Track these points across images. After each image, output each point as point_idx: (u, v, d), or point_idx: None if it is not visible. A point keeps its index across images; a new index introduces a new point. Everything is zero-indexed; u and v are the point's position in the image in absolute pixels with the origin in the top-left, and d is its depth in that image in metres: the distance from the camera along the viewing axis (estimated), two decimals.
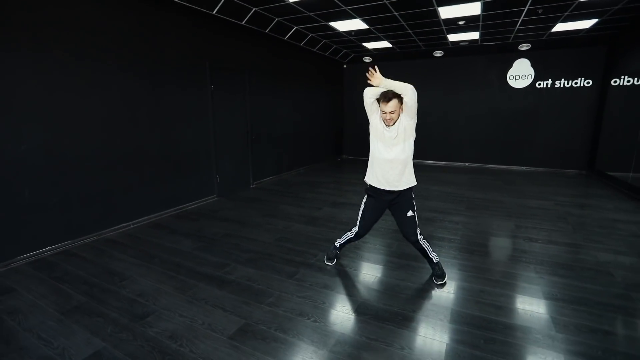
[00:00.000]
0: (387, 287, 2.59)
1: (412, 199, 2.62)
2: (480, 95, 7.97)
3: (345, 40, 6.98)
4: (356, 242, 3.00)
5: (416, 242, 2.61)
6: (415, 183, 2.56)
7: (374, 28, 5.98)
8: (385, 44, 7.33)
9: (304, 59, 7.26)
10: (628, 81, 6.44)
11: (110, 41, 3.57)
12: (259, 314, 2.24)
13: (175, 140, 4.45)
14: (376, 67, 2.52)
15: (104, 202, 3.65)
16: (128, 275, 2.77)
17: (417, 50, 8.03)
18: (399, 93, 2.36)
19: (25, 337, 2.00)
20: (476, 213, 4.47)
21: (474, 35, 6.53)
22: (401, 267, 2.92)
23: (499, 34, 6.53)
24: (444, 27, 5.95)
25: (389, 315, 2.22)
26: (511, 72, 7.58)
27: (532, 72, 7.40)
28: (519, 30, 6.23)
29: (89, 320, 2.16)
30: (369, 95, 2.49)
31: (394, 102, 2.39)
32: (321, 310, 2.29)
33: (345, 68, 9.34)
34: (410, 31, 6.20)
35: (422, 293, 2.51)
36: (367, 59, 8.82)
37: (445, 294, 2.49)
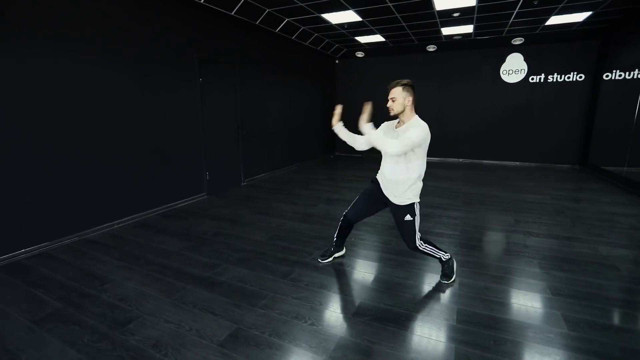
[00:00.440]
0: (387, 286, 2.46)
1: (413, 203, 2.33)
2: (474, 91, 7.91)
3: (337, 33, 6.82)
4: (347, 235, 2.81)
5: (415, 249, 2.40)
6: (410, 202, 2.29)
7: (367, 20, 5.84)
8: (378, 37, 7.20)
9: (296, 53, 7.09)
10: (620, 75, 6.43)
11: (94, 31, 3.35)
12: (251, 317, 2.08)
13: (163, 135, 4.24)
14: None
15: (85, 200, 3.43)
16: (110, 279, 2.58)
17: (410, 44, 7.92)
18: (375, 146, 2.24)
19: None
20: (474, 208, 4.37)
21: (468, 28, 6.44)
22: (400, 265, 2.78)
23: (493, 28, 6.46)
24: (438, 20, 5.84)
25: (390, 316, 2.08)
26: (504, 67, 7.54)
27: (525, 66, 7.37)
28: (513, 24, 6.17)
29: (63, 328, 1.97)
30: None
31: (394, 90, 2.27)
32: (318, 312, 2.14)
33: (338, 63, 9.19)
34: (404, 24, 6.07)
35: (425, 291, 2.39)
36: (360, 54, 8.69)
37: (449, 292, 2.36)
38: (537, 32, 6.82)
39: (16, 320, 2.04)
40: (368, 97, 9.28)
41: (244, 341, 1.86)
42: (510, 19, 5.87)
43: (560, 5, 5.11)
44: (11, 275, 2.63)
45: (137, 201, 3.99)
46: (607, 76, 6.54)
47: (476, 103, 7.95)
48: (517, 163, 7.82)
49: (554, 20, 5.92)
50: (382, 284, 2.50)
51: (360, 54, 8.70)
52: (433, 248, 2.44)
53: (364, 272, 2.70)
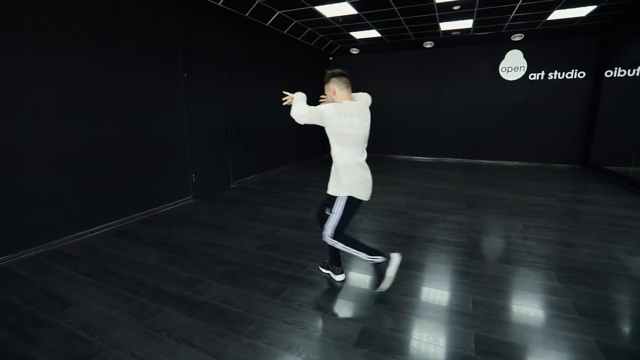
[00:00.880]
0: (391, 306, 2.16)
1: (335, 197, 2.20)
2: (472, 88, 7.68)
3: (331, 28, 6.52)
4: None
5: (323, 241, 2.30)
6: (336, 195, 2.18)
7: (363, 14, 5.55)
8: (374, 33, 6.92)
9: (288, 48, 6.77)
10: (622, 72, 6.25)
11: (65, 19, 2.99)
12: (235, 349, 1.77)
13: (144, 134, 3.89)
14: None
15: (53, 206, 3.08)
16: (74, 300, 2.24)
17: (406, 40, 7.66)
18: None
19: None
20: (478, 211, 4.11)
21: (467, 23, 6.20)
22: (405, 279, 2.49)
23: (493, 23, 6.22)
24: (437, 14, 5.58)
25: (398, 346, 1.78)
26: (503, 64, 7.31)
27: (524, 63, 7.15)
28: (513, 19, 5.94)
29: None
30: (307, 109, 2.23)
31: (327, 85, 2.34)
32: (314, 341, 1.84)
33: (332, 60, 8.89)
34: (401, 18, 5.80)
35: (434, 312, 2.10)
36: (355, 51, 8.40)
37: (463, 313, 2.08)
38: (537, 27, 6.60)
39: None
40: None
41: None
42: (511, 14, 5.63)
43: None
44: None
45: (114, 207, 3.64)
46: (608, 73, 6.36)
47: (474, 101, 7.72)
48: (516, 163, 7.61)
49: (557, 15, 5.70)
50: (385, 303, 2.21)
51: (355, 51, 8.41)
52: (347, 247, 2.21)
53: (362, 288, 2.41)
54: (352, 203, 2.20)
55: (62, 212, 3.15)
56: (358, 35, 7.12)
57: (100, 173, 3.46)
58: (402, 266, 2.66)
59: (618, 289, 2.33)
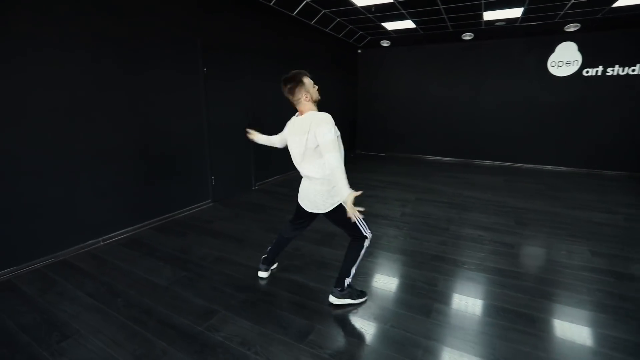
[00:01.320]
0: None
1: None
2: (514, 85, 6.97)
3: (362, 19, 6.02)
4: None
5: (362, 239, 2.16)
6: (337, 203, 2.09)
7: (398, 2, 5.03)
8: (408, 24, 6.36)
9: (314, 40, 6.33)
10: None
11: (74, 11, 2.71)
12: None
13: (161, 133, 3.61)
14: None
15: (64, 213, 2.84)
16: (73, 330, 1.97)
17: (443, 32, 7.03)
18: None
19: None
20: (532, 231, 3.58)
21: (516, 12, 5.53)
22: (460, 319, 2.06)
23: (546, 11, 5.52)
24: (483, 1, 4.97)
25: None
26: (553, 58, 6.56)
27: (579, 57, 6.37)
28: (572, 6, 5.22)
29: None
30: None
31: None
32: None
33: (360, 53, 8.37)
34: (441, 6, 5.22)
35: None
36: (385, 43, 7.84)
37: None
38: (598, 16, 5.82)
39: None
40: (393, 91, 8.44)
41: None
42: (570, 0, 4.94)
43: None
44: None
45: (128, 213, 3.39)
46: None
47: (515, 99, 7.01)
48: (563, 168, 6.87)
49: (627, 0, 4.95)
50: (436, 354, 1.79)
51: (385, 43, 7.85)
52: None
53: (411, 335, 1.99)
54: None
55: (72, 220, 2.92)
56: (390, 26, 6.58)
57: (114, 176, 3.20)
58: (449, 302, 2.21)
59: None
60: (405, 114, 8.15)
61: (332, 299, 2.23)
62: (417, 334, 1.96)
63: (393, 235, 3.44)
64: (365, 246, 2.14)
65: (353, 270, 2.19)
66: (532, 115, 6.94)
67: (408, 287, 2.48)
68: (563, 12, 5.55)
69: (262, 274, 2.58)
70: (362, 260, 2.19)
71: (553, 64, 6.58)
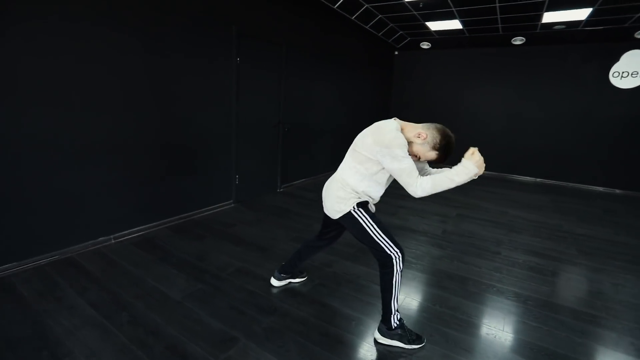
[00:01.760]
0: None
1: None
2: (567, 96, 6.34)
3: (406, 16, 5.60)
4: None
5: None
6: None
7: None
8: (455, 24, 5.88)
9: (352, 37, 5.95)
10: None
11: None
12: None
13: (184, 125, 3.32)
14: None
15: (73, 207, 2.57)
16: (67, 349, 1.65)
17: (492, 35, 6.49)
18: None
19: None
20: (598, 263, 3.04)
21: (583, 13, 4.95)
22: None
23: (616, 14, 4.92)
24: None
25: None
26: (617, 68, 5.90)
27: None
28: None
29: None
30: None
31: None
32: None
33: (397, 55, 7.93)
34: (497, 4, 4.73)
35: None
36: (425, 45, 7.37)
37: None
38: None
39: None
40: (429, 97, 7.89)
41: None
42: None
43: None
44: None
45: (145, 209, 3.10)
46: None
47: (567, 111, 6.37)
48: (617, 191, 6.18)
49: None
50: None
51: (425, 45, 7.38)
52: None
53: None
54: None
55: (82, 214, 2.64)
56: (435, 26, 6.12)
57: (131, 168, 2.92)
58: (519, 350, 1.75)
59: None
60: (441, 122, 7.59)
61: (378, 336, 1.83)
62: None
63: (437, 256, 2.99)
64: (396, 270, 1.72)
65: (395, 304, 1.78)
66: (585, 130, 6.29)
67: (469, 325, 2.04)
68: (636, 15, 4.93)
69: (274, 282, 2.32)
70: (401, 287, 1.77)
71: (616, 74, 5.93)
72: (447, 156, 1.67)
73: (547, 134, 6.58)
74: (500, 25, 5.84)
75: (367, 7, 5.18)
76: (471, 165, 1.55)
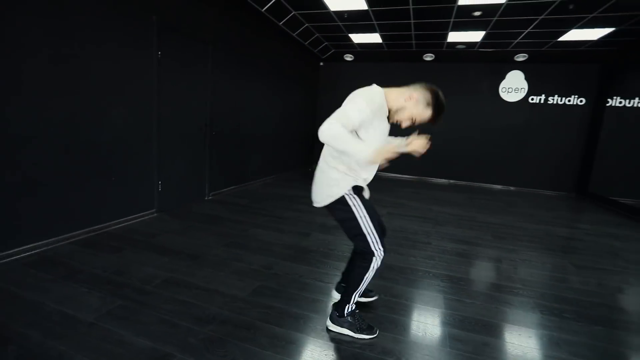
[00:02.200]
0: None
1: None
2: (470, 107, 7.29)
3: (331, 26, 5.83)
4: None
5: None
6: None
7: (373, 10, 4.91)
8: (375, 37, 6.33)
9: (281, 43, 5.97)
10: (620, 102, 6.14)
11: None
12: None
13: (97, 121, 2.86)
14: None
15: None
16: None
17: (406, 50, 7.15)
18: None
19: None
20: (510, 244, 3.46)
21: (477, 36, 5.78)
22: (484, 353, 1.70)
23: (502, 38, 5.86)
24: (452, 20, 5.07)
25: None
26: (504, 84, 7.00)
27: (525, 85, 6.88)
28: (526, 35, 5.59)
29: None
30: None
31: None
32: None
33: (322, 66, 8.20)
34: (412, 21, 5.23)
35: None
36: (349, 57, 7.78)
37: None
38: (543, 49, 6.36)
39: None
40: None
41: None
42: (527, 29, 5.27)
43: (590, 16, 4.56)
44: None
45: (47, 221, 2.55)
46: (607, 102, 6.20)
47: (470, 121, 7.31)
48: (512, 188, 7.24)
49: (571, 35, 5.43)
50: None
51: (349, 57, 7.79)
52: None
53: None
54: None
55: None
56: (357, 38, 6.50)
57: (26, 171, 2.38)
58: (464, 326, 1.85)
59: None
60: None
61: (329, 323, 1.78)
62: None
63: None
64: (373, 267, 1.65)
65: (355, 296, 1.72)
66: (485, 137, 7.28)
67: (413, 309, 2.08)
68: (516, 41, 5.93)
69: (334, 295, 2.07)
70: (369, 283, 1.73)
71: (504, 89, 7.02)
72: (439, 113, 1.58)
73: (455, 140, 7.43)
74: (414, 42, 6.46)
75: (294, 13, 5.26)
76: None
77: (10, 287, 2.02)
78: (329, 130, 1.38)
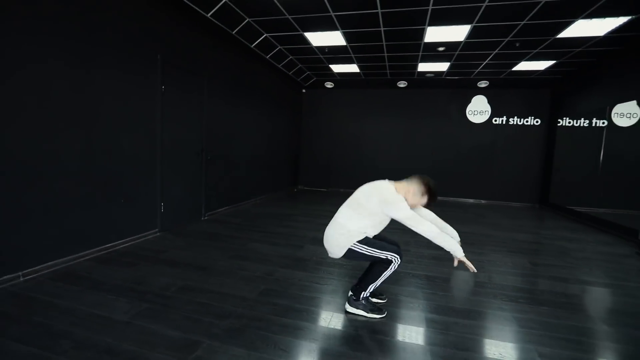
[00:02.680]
0: None
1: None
2: (441, 129, 8.01)
3: (313, 59, 6.43)
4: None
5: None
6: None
7: (351, 46, 5.54)
8: (353, 67, 6.98)
9: (267, 74, 6.49)
10: (569, 122, 6.98)
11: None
12: None
13: (107, 148, 3.18)
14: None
15: None
16: None
17: (382, 78, 7.86)
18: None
19: None
20: (478, 249, 3.96)
21: (443, 66, 6.52)
22: (465, 334, 2.11)
23: (465, 68, 6.64)
24: (420, 53, 5.77)
25: None
26: (470, 107, 7.79)
27: (489, 108, 7.69)
28: (484, 66, 6.38)
29: None
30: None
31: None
32: None
33: (305, 93, 8.79)
34: (385, 54, 5.90)
35: None
36: (329, 85, 8.42)
37: None
38: (501, 77, 7.19)
39: None
40: (334, 130, 8.93)
41: None
42: (484, 60, 6.04)
43: (535, 51, 5.35)
44: None
45: (61, 240, 2.80)
46: (559, 122, 7.04)
47: (442, 141, 8.02)
48: (483, 201, 7.90)
49: (521, 66, 6.25)
50: None
51: (329, 85, 8.43)
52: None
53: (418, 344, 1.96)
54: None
55: None
56: (337, 68, 7.14)
57: (45, 194, 2.67)
58: (441, 312, 2.26)
59: None
60: (346, 152, 8.63)
61: (347, 306, 2.27)
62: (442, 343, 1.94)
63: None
64: (391, 268, 2.12)
65: (371, 288, 2.18)
66: (456, 155, 7.97)
67: (400, 302, 2.48)
68: (477, 70, 6.73)
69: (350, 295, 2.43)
70: (386, 280, 2.17)
71: (470, 112, 7.79)
72: (434, 196, 2.12)
73: (430, 159, 8.08)
74: (388, 71, 7.16)
75: (280, 48, 5.81)
76: (461, 253, 2.03)
77: (45, 297, 2.28)
78: (429, 233, 1.99)
